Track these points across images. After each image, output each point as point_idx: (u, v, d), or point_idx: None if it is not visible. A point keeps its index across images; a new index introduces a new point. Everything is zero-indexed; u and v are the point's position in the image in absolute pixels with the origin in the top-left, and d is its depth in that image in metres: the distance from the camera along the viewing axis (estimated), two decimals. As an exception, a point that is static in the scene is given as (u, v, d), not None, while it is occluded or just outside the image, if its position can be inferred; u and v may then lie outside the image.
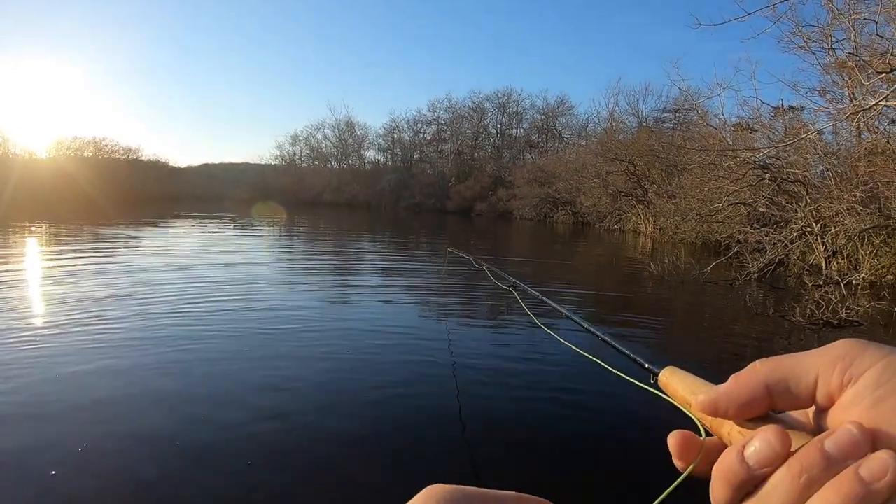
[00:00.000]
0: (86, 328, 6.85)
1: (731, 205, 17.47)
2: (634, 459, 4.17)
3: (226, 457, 3.88)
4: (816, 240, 14.07)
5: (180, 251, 16.36)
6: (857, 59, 12.68)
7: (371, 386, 5.41)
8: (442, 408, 4.91)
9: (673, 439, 0.47)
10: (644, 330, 8.94)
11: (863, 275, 12.87)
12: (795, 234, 14.25)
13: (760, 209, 16.61)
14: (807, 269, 14.11)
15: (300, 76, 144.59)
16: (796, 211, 14.70)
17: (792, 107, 16.62)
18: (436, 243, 24.45)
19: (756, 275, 13.50)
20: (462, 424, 4.59)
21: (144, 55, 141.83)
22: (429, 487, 0.44)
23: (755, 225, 16.60)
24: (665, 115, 54.91)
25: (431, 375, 5.79)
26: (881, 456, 0.34)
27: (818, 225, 13.88)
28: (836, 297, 9.41)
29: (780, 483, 0.37)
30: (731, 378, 0.45)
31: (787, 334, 8.54)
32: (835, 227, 13.52)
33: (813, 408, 0.42)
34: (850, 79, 13.33)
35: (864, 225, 12.92)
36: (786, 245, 14.29)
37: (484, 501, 0.45)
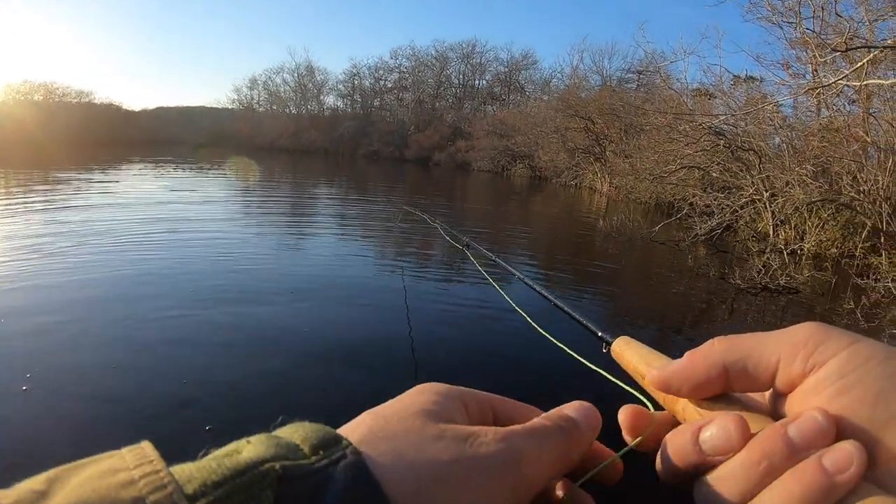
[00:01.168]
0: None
1: (684, 168, 17.83)
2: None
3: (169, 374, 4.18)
4: (765, 208, 14.52)
5: (132, 198, 16.09)
6: (819, 37, 13.01)
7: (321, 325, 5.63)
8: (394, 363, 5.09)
9: (623, 414, 0.48)
10: (589, 286, 9.26)
11: (808, 245, 13.38)
12: (745, 200, 14.69)
13: (714, 174, 17.02)
14: (754, 236, 14.60)
15: (261, 18, 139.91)
16: (746, 178, 15.12)
17: (752, 77, 16.92)
18: (393, 196, 24.43)
19: (703, 237, 13.94)
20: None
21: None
22: (421, 385, 0.44)
23: (708, 189, 17.03)
24: (629, 75, 55.12)
25: (384, 328, 5.98)
26: (846, 446, 0.34)
27: (767, 194, 14.31)
28: (776, 264, 9.82)
29: (738, 468, 0.37)
30: (687, 355, 0.45)
31: (726, 296, 8.92)
32: (783, 197, 13.95)
33: (770, 391, 0.42)
34: (813, 55, 13.61)
35: (812, 198, 13.36)
36: (735, 210, 14.74)
37: (474, 397, 0.45)
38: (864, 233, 12.85)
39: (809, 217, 13.93)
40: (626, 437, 0.47)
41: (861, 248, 12.71)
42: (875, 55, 10.41)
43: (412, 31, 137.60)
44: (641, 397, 0.52)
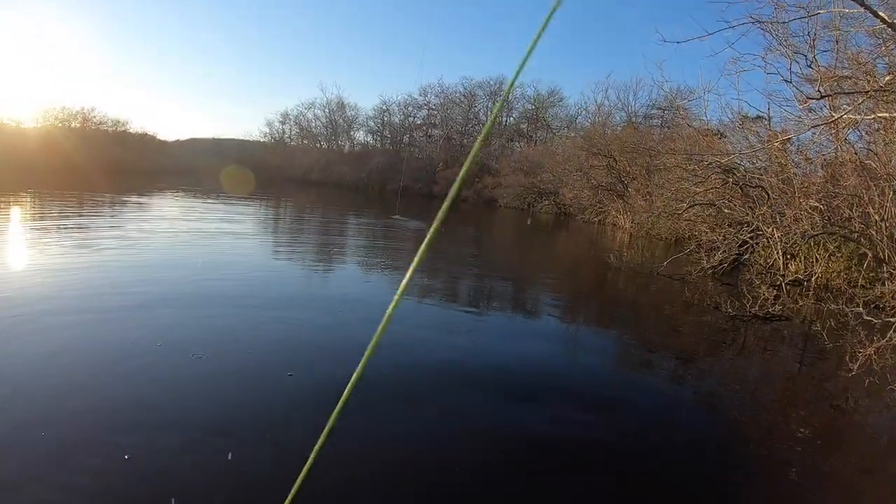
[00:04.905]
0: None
1: (694, 205, 18.37)
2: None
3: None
4: (770, 242, 14.97)
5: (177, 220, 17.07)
6: (834, 70, 13.42)
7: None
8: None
9: None
10: (605, 318, 9.88)
11: (815, 277, 13.79)
12: (748, 235, 15.17)
13: (725, 210, 17.53)
14: (763, 269, 15.03)
15: (294, 55, 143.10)
16: (752, 214, 15.62)
17: (760, 115, 17.46)
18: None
19: (710, 271, 14.42)
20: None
21: (139, 27, 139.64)
22: None
23: (722, 225, 17.53)
24: (654, 111, 55.77)
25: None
26: None
27: (770, 228, 14.78)
28: (769, 294, 10.32)
29: None
30: None
31: (729, 327, 9.46)
32: (785, 231, 14.40)
33: None
34: (823, 90, 14.01)
35: (815, 231, 13.80)
36: (741, 244, 15.22)
37: None
38: (866, 263, 13.22)
39: (817, 249, 14.35)
40: None
41: (864, 277, 13.07)
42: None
43: (441, 67, 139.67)
44: None
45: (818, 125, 12.95)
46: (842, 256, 14.10)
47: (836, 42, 13.69)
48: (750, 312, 9.49)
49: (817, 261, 14.18)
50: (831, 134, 15.24)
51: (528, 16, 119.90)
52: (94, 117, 70.70)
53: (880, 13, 8.72)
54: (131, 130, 76.04)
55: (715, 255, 14.78)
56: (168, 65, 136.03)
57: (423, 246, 0.72)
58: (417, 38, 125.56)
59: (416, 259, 0.73)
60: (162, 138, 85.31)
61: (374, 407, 4.65)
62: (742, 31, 11.30)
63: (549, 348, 7.42)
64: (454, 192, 0.91)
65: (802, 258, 14.70)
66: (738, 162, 16.80)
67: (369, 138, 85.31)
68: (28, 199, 21.72)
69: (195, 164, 78.03)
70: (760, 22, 10.61)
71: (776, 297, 10.35)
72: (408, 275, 0.83)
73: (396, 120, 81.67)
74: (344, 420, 2.89)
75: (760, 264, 15.51)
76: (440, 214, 0.75)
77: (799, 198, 14.75)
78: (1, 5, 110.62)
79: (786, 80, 11.94)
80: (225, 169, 58.53)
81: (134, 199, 25.26)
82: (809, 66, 13.58)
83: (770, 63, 12.53)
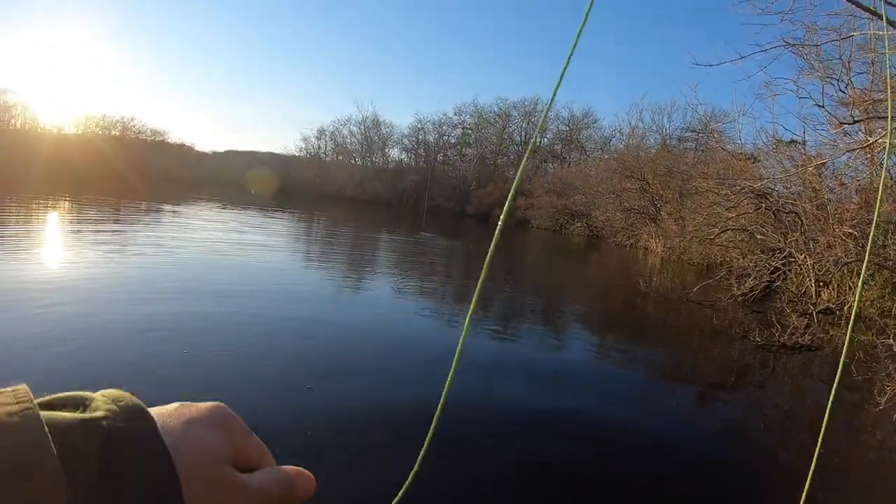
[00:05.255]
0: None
1: (726, 231, 18.06)
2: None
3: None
4: (802, 269, 14.63)
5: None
6: (870, 93, 13.09)
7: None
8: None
9: None
10: (632, 345, 9.70)
11: (848, 305, 13.40)
12: (780, 261, 14.83)
13: (758, 236, 17.19)
14: (796, 297, 14.65)
15: (331, 71, 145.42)
16: (782, 240, 15.29)
17: (794, 140, 17.14)
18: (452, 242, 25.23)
19: (740, 298, 14.11)
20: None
21: (179, 38, 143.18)
22: (220, 410, 0.51)
23: (754, 251, 17.18)
24: (688, 134, 55.27)
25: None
26: None
27: (802, 255, 14.44)
28: (799, 323, 10.03)
29: None
30: None
31: (744, 353, 9.23)
32: (818, 258, 14.07)
33: None
34: (856, 115, 13.71)
35: (849, 258, 13.46)
36: (773, 271, 14.89)
37: (244, 439, 0.52)
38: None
39: (850, 277, 13.98)
40: None
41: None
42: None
43: (476, 86, 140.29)
44: None
45: (853, 149, 12.69)
46: (875, 285, 13.71)
47: (872, 64, 13.38)
48: (779, 342, 9.23)
49: (850, 289, 13.80)
50: (866, 158, 14.89)
51: (564, 36, 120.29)
52: (134, 126, 72.79)
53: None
54: (169, 141, 78.00)
55: (745, 282, 14.45)
56: (206, 77, 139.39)
57: (482, 275, 0.69)
58: (448, 56, 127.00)
59: (478, 285, 0.70)
60: (199, 149, 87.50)
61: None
62: (774, 55, 11.17)
63: (565, 380, 7.28)
64: (505, 214, 0.88)
65: (835, 286, 14.32)
66: (772, 187, 16.49)
67: (404, 156, 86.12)
68: (68, 204, 22.29)
69: (233, 176, 79.39)
70: (792, 45, 10.46)
71: (807, 326, 10.05)
72: (472, 304, 0.81)
73: (431, 138, 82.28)
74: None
75: (792, 292, 15.14)
76: (496, 236, 0.75)
77: (833, 224, 14.39)
78: (48, 20, 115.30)
79: (818, 105, 11.63)
80: (250, 172, 59.95)
81: (178, 208, 25.73)
82: (844, 90, 13.32)
83: (802, 87, 12.27)
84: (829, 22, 9.96)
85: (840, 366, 1.42)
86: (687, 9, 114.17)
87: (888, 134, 9.03)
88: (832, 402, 1.28)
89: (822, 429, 1.25)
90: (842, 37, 9.46)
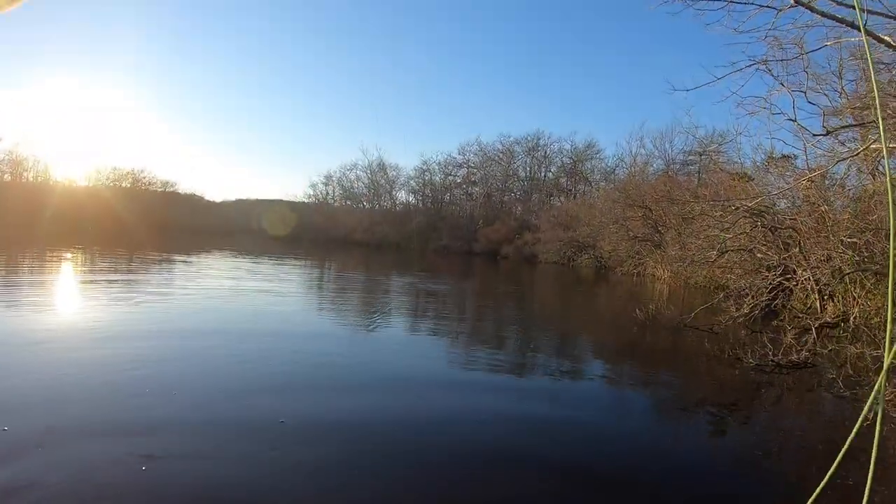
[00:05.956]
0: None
1: (725, 252, 17.72)
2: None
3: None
4: (801, 284, 14.24)
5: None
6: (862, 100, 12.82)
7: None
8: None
9: None
10: (635, 372, 9.39)
11: (853, 317, 12.95)
12: (777, 279, 14.45)
13: (758, 255, 16.83)
14: (802, 313, 14.21)
15: (335, 117, 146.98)
16: (779, 257, 14.92)
17: (786, 155, 16.91)
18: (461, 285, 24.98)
19: (740, 319, 13.69)
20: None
21: (187, 89, 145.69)
22: None
23: (758, 270, 16.78)
24: (691, 157, 54.93)
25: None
26: None
27: (801, 270, 14.07)
28: (793, 341, 9.64)
29: None
30: None
31: (735, 377, 8.84)
32: (814, 271, 13.70)
33: None
34: (854, 122, 13.45)
35: (848, 269, 13.08)
36: (771, 290, 14.48)
37: None
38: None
39: (853, 288, 13.55)
40: None
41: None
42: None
43: (478, 124, 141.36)
44: None
45: (843, 158, 12.43)
46: (878, 293, 13.25)
47: (863, 72, 13.15)
48: (773, 361, 8.83)
49: (855, 300, 13.37)
50: (864, 165, 14.59)
51: (564, 70, 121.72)
52: (144, 178, 73.94)
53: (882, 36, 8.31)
54: (180, 191, 79.07)
55: (744, 303, 14.05)
56: (213, 127, 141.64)
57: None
58: (461, 95, 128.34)
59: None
60: (209, 199, 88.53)
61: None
62: (750, 74, 10.98)
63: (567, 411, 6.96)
64: None
65: (840, 298, 13.89)
66: (767, 204, 16.16)
67: (411, 198, 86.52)
68: (78, 255, 22.36)
69: (244, 224, 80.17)
70: (765, 62, 10.31)
71: (803, 343, 9.65)
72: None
73: (437, 179, 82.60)
74: None
75: (797, 308, 14.72)
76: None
77: (830, 235, 14.03)
78: (55, 70, 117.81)
79: (790, 119, 11.46)
80: (266, 213, 60.66)
81: (189, 258, 25.77)
82: (838, 100, 13.09)
83: (774, 104, 12.01)
84: (799, 34, 9.80)
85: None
86: (677, 32, 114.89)
87: (882, 139, 8.79)
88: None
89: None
90: (802, 52, 9.34)
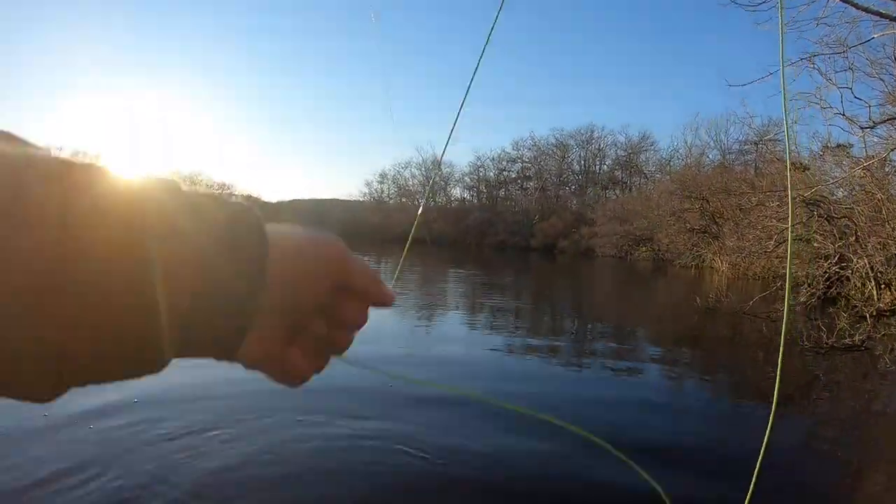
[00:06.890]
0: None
1: (782, 242, 17.89)
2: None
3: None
4: (856, 272, 14.44)
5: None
6: None
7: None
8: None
9: None
10: (657, 359, 9.87)
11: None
12: (833, 267, 14.68)
13: (814, 244, 16.98)
14: (859, 301, 14.38)
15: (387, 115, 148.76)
16: (834, 246, 15.12)
17: (841, 144, 17.01)
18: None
19: (796, 307, 14.02)
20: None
21: (244, 91, 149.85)
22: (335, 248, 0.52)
23: (814, 259, 16.94)
24: (746, 147, 54.10)
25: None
26: None
27: (856, 258, 14.29)
28: (848, 325, 10.04)
29: None
30: None
31: (791, 360, 9.24)
32: (870, 259, 13.90)
33: None
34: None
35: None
36: (827, 278, 14.73)
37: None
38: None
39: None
40: None
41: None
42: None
43: (529, 119, 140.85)
44: None
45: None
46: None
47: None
48: (828, 344, 9.27)
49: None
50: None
51: (614, 59, 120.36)
52: (202, 180, 76.15)
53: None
54: (236, 193, 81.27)
55: (800, 292, 14.36)
56: (270, 128, 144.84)
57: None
58: (506, 89, 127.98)
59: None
60: (266, 199, 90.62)
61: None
62: (801, 68, 11.43)
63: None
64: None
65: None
66: (824, 194, 16.36)
67: (465, 194, 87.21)
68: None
69: (301, 224, 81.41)
70: (815, 56, 10.73)
71: (856, 329, 10.06)
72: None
73: (491, 175, 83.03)
74: None
75: (853, 296, 14.89)
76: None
77: (886, 223, 14.22)
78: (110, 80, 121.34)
79: (840, 114, 11.81)
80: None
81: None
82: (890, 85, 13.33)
83: (824, 99, 12.35)
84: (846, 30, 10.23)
85: None
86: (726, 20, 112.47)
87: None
88: None
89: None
90: (847, 47, 9.78)
